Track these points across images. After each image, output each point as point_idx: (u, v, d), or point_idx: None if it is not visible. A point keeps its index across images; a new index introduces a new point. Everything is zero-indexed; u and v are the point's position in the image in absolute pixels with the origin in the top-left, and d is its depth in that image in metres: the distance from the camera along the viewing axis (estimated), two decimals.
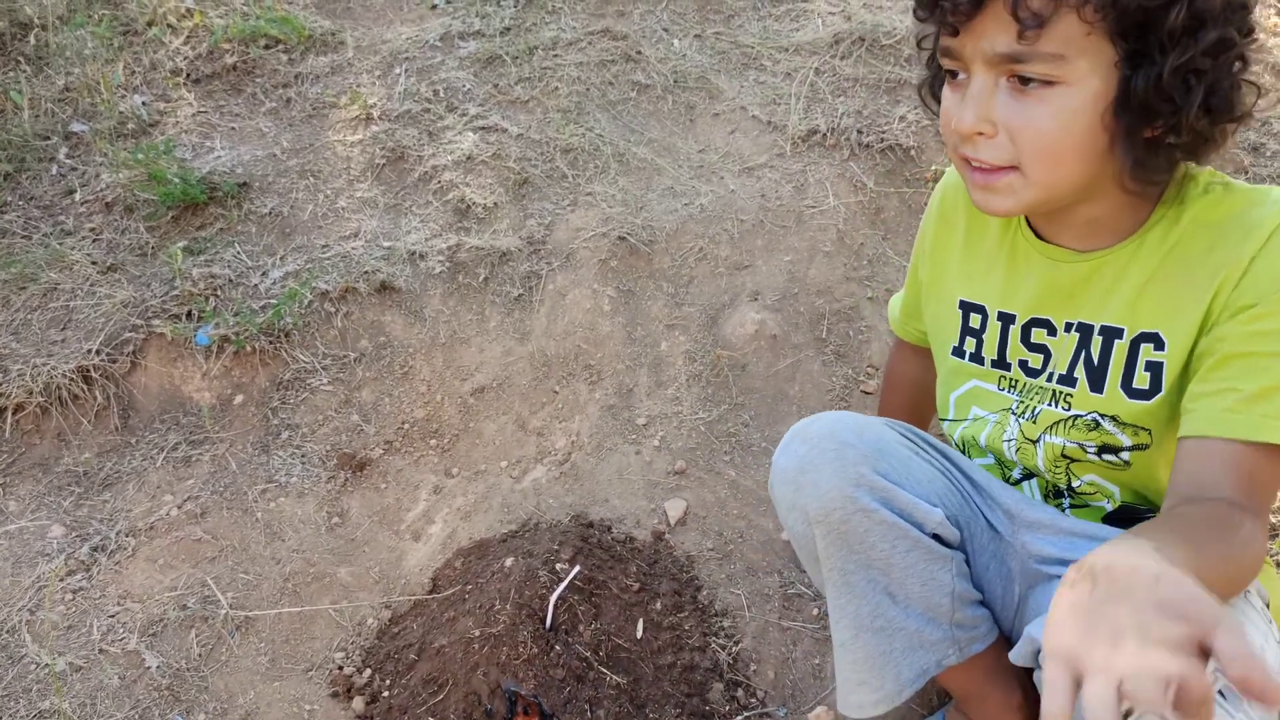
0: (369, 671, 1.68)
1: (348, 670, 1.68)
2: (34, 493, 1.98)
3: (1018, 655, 1.11)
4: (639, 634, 1.65)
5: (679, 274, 2.38)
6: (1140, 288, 1.05)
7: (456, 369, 2.23)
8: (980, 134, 0.98)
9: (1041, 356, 1.18)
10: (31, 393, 2.07)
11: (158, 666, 1.67)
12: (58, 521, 1.92)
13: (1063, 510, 1.25)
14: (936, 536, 1.20)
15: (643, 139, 2.75)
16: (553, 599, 1.60)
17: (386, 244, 2.45)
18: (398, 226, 2.52)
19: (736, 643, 1.69)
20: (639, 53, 2.98)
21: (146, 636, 1.72)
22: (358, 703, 1.63)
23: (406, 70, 2.95)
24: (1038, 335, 1.18)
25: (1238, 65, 0.92)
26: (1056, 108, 0.93)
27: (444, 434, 2.12)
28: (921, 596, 1.20)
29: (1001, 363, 1.23)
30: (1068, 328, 1.13)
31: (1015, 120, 0.95)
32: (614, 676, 1.59)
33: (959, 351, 1.28)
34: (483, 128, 2.76)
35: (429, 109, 2.81)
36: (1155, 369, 1.06)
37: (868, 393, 2.10)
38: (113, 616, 1.75)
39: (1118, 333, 1.08)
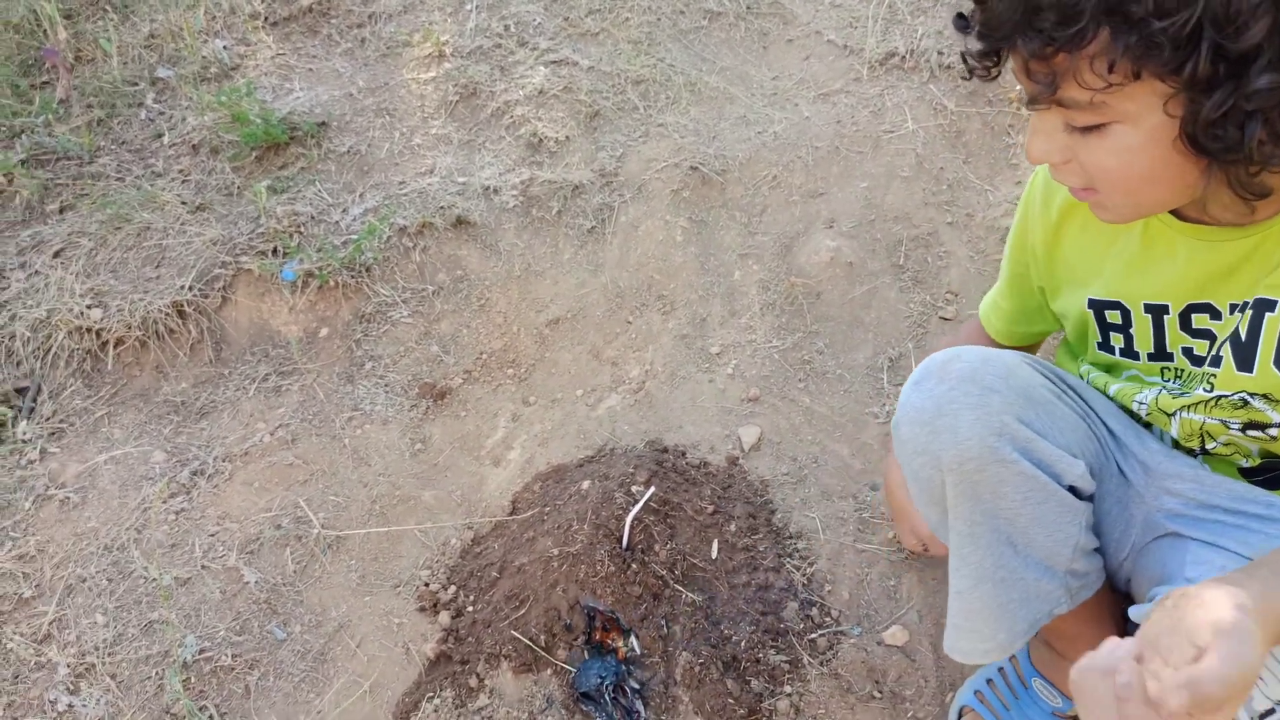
0: (453, 588, 1.74)
1: (433, 587, 1.75)
2: (136, 421, 2.09)
3: (1139, 613, 1.08)
4: (714, 554, 1.68)
5: (752, 203, 2.36)
6: None
7: (532, 300, 2.26)
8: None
9: (1207, 343, 1.08)
10: (130, 327, 2.16)
11: (256, 581, 1.76)
12: (159, 448, 2.03)
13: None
14: (1072, 488, 1.15)
15: (715, 68, 2.71)
16: (629, 519, 1.63)
17: (461, 179, 2.48)
18: (472, 162, 2.54)
19: (811, 564, 1.70)
20: None
21: (244, 554, 1.81)
22: (443, 616, 1.69)
23: (477, 6, 2.95)
24: (1200, 321, 1.07)
25: None
26: (1115, 146, 0.87)
27: (521, 364, 2.15)
28: (1044, 546, 1.15)
29: (1162, 354, 1.14)
30: (1233, 309, 1.03)
31: (1080, 154, 0.90)
32: (689, 594, 1.62)
33: (1106, 347, 1.20)
34: (554, 61, 2.75)
35: (500, 44, 2.81)
36: None
37: (946, 319, 2.06)
38: (213, 535, 1.84)
39: (1270, 305, 0.97)
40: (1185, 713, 0.73)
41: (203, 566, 1.79)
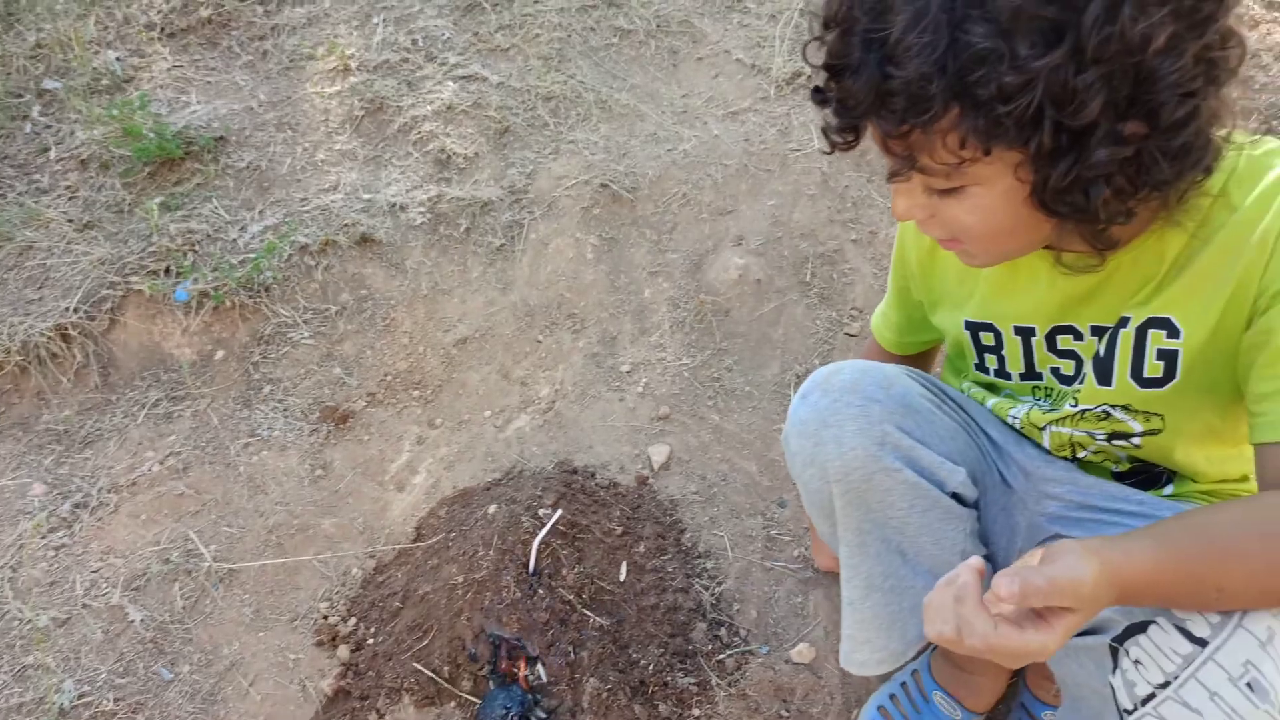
0: (354, 620, 1.68)
1: (333, 619, 1.68)
2: (14, 452, 1.97)
3: None
4: (622, 577, 1.65)
5: (662, 220, 2.36)
6: (1156, 275, 0.97)
7: (439, 320, 2.21)
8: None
9: (1073, 362, 1.11)
10: (9, 352, 2.05)
11: (141, 620, 1.67)
12: (38, 480, 1.92)
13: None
14: (955, 495, 1.18)
15: (625, 85, 2.70)
16: (535, 543, 1.59)
17: (366, 196, 2.42)
18: (378, 178, 2.48)
19: (719, 584, 1.69)
20: None
21: (130, 591, 1.72)
22: (343, 650, 1.63)
23: (384, 19, 2.89)
24: (1064, 342, 1.10)
25: (1165, 143, 0.80)
26: (973, 205, 0.89)
27: (427, 385, 2.10)
28: (932, 554, 1.18)
29: (1032, 374, 1.17)
30: (1093, 331, 1.06)
31: (940, 212, 0.93)
32: (597, 618, 1.59)
33: (982, 368, 1.23)
34: (463, 77, 2.72)
35: (408, 58, 2.76)
36: (1169, 357, 0.99)
37: (851, 335, 2.08)
38: (95, 572, 1.75)
39: (1124, 322, 1.01)
40: (1013, 602, 0.78)
41: (84, 605, 1.69)
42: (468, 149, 2.53)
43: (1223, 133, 0.85)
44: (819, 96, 0.87)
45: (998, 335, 1.17)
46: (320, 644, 1.65)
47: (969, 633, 0.81)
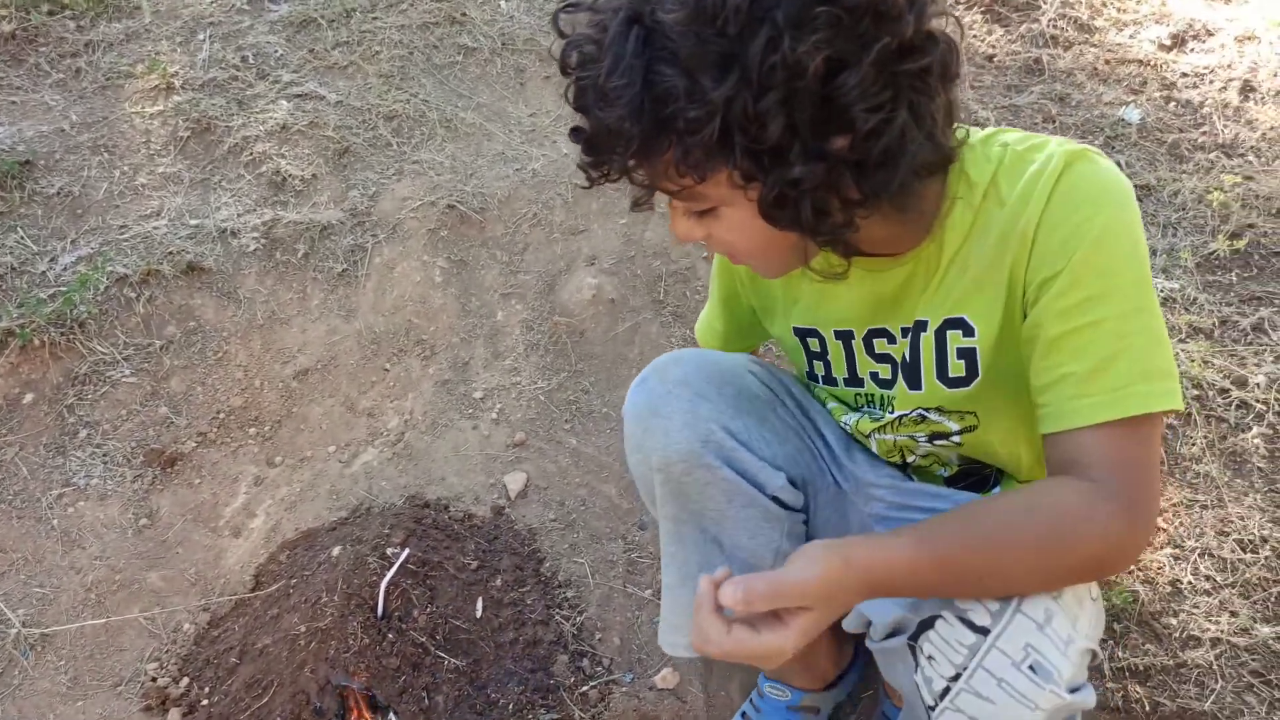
0: (186, 680, 1.55)
1: (162, 681, 1.55)
2: None
3: (850, 624, 1.11)
4: (479, 613, 1.58)
5: (513, 241, 2.30)
6: (943, 276, 1.00)
7: (277, 351, 2.09)
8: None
9: (889, 365, 1.13)
10: None
11: None
12: None
13: (906, 475, 1.24)
14: (776, 499, 1.18)
15: (471, 104, 2.64)
16: (383, 585, 1.51)
17: (194, 222, 2.28)
18: (206, 203, 2.34)
19: (581, 613, 1.64)
20: (464, 14, 2.86)
21: None
22: (174, 715, 1.50)
23: (211, 35, 2.74)
24: (880, 345, 1.13)
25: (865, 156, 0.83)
26: (728, 224, 0.93)
27: (264, 421, 1.98)
28: (748, 548, 1.19)
29: (854, 379, 1.19)
30: (904, 333, 1.08)
31: (710, 230, 0.96)
32: (452, 660, 1.51)
33: (812, 375, 1.24)
34: (298, 95, 2.60)
35: (237, 76, 2.62)
36: (968, 355, 1.02)
37: None
38: None
39: (923, 325, 1.04)
40: (739, 608, 0.84)
41: None
42: (305, 170, 2.41)
43: (962, 132, 0.92)
44: (574, 135, 0.90)
45: (821, 340, 1.19)
46: (149, 709, 1.51)
47: (704, 640, 0.87)
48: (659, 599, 1.66)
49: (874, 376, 1.15)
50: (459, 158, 2.49)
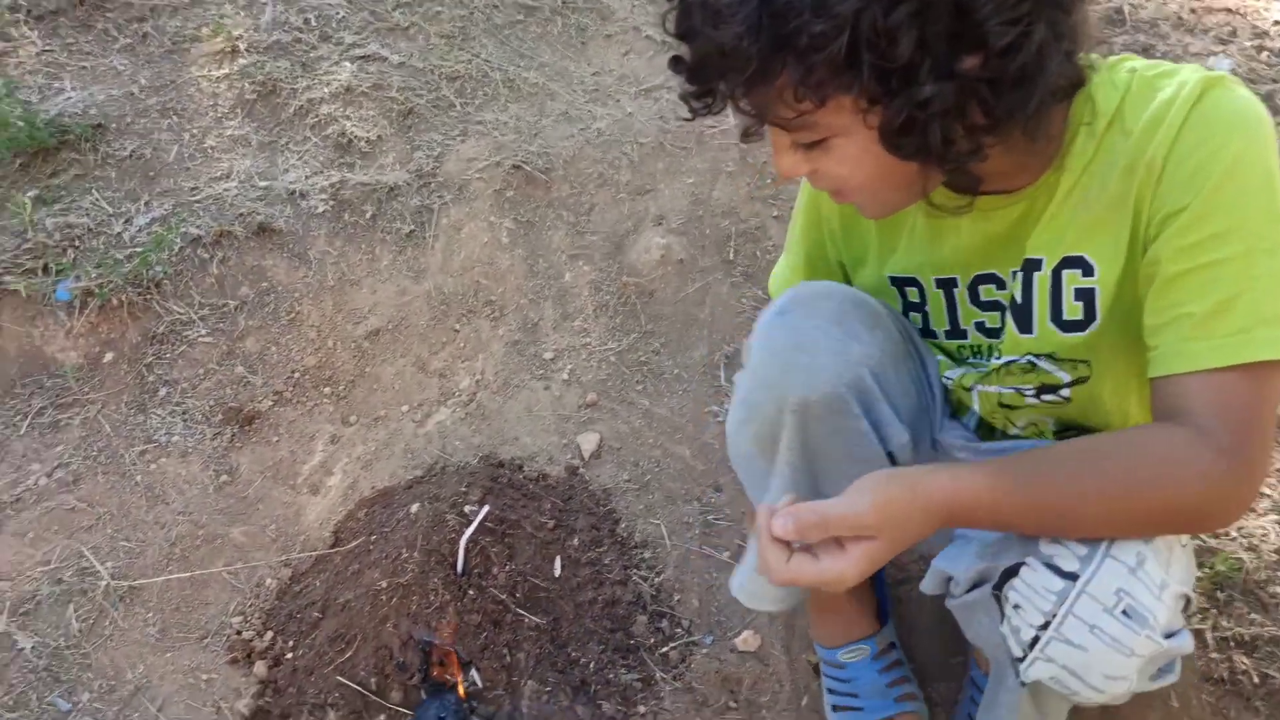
0: (270, 634, 1.57)
1: (247, 634, 1.57)
2: None
3: (929, 585, 1.08)
4: (557, 572, 1.58)
5: (579, 202, 2.28)
6: (1060, 211, 0.94)
7: (348, 312, 2.09)
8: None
9: (997, 314, 1.07)
10: None
11: (32, 647, 1.53)
12: None
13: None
14: (890, 455, 1.14)
15: (533, 64, 2.62)
16: (462, 542, 1.51)
17: (263, 184, 2.28)
18: (274, 165, 2.34)
19: (659, 574, 1.64)
20: None
21: (18, 616, 1.57)
22: (259, 667, 1.52)
23: None
24: (987, 293, 1.07)
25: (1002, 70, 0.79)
26: (840, 156, 0.89)
27: (338, 381, 1.99)
28: None
29: (956, 331, 1.14)
30: (1014, 276, 1.02)
31: (818, 166, 0.91)
32: (532, 617, 1.52)
33: None
34: (361, 57, 2.58)
35: (301, 39, 2.62)
36: (1086, 296, 0.96)
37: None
38: None
39: (1036, 264, 0.98)
40: (790, 538, 0.84)
41: None
42: (370, 132, 2.40)
43: (1087, 57, 0.86)
44: (675, 65, 0.86)
45: (921, 290, 1.14)
46: (234, 661, 1.53)
47: (766, 568, 0.86)
48: (736, 561, 1.65)
49: (979, 326, 1.10)
50: (523, 118, 2.46)
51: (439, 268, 2.17)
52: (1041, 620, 0.88)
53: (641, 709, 1.45)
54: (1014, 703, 1.02)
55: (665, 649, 1.52)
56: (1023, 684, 0.94)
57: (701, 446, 1.83)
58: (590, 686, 1.46)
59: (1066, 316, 0.99)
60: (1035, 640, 0.89)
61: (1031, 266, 0.99)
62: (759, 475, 1.17)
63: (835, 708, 1.41)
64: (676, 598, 1.60)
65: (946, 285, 1.11)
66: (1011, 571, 0.92)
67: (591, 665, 1.48)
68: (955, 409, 1.25)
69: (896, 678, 1.41)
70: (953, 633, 1.50)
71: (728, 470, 1.78)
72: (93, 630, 1.57)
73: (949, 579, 1.04)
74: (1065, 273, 0.97)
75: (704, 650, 1.53)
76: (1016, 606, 0.91)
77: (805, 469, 1.12)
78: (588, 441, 1.83)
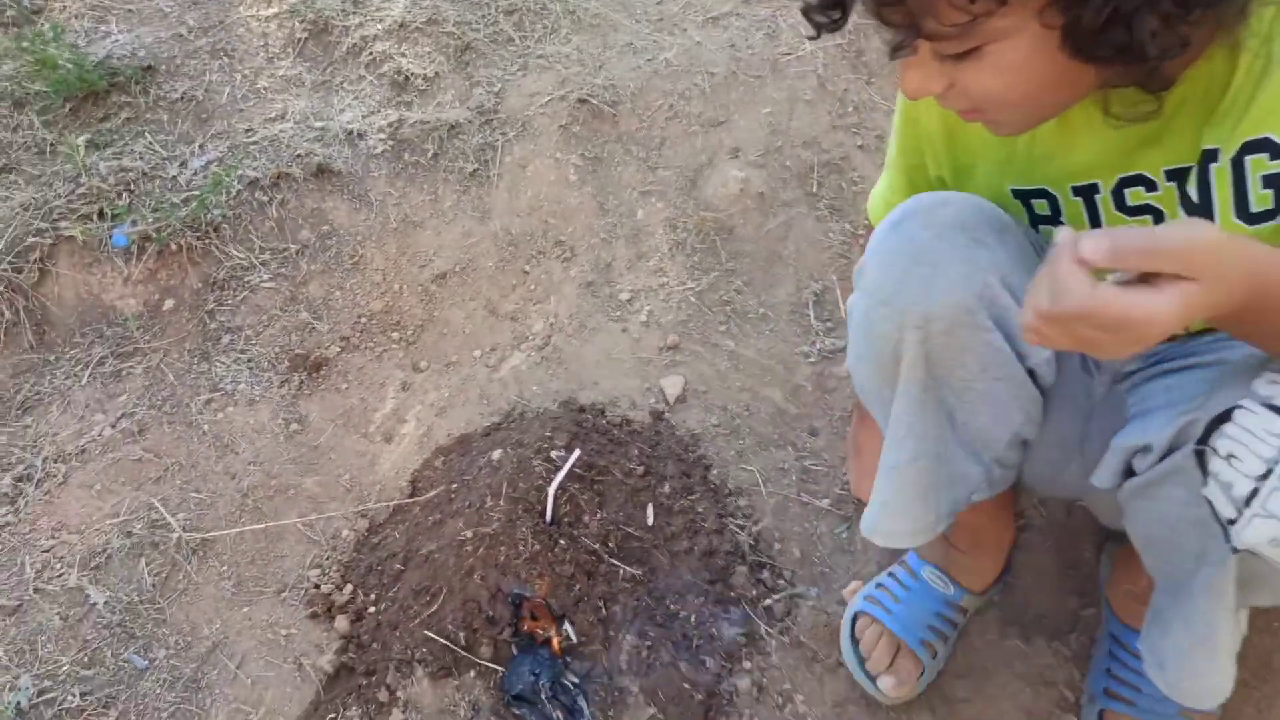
0: (350, 587, 1.49)
1: (325, 588, 1.50)
2: None
3: (1105, 473, 0.99)
4: (649, 520, 1.49)
5: (649, 136, 2.16)
6: (1236, 92, 0.84)
7: (412, 255, 2.00)
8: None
9: (1150, 219, 0.98)
10: None
11: (105, 602, 1.47)
12: None
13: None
14: (1031, 372, 1.03)
15: None
16: (552, 489, 1.42)
17: (319, 124, 2.18)
18: (329, 105, 2.24)
19: (756, 522, 1.54)
20: None
21: (89, 570, 1.51)
22: (341, 622, 1.45)
23: None
24: (1135, 196, 0.97)
25: None
26: (995, 66, 0.80)
27: (406, 325, 1.90)
28: (982, 428, 1.04)
29: None
30: (1169, 177, 0.93)
31: (959, 80, 0.83)
32: (628, 568, 1.42)
33: None
34: None
35: None
36: (1277, 182, 0.85)
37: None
38: (47, 551, 1.53)
39: (1212, 155, 0.87)
40: (1102, 261, 0.68)
41: (36, 590, 1.48)
42: (427, 69, 2.29)
43: None
44: None
45: (1053, 201, 1.04)
46: (314, 616, 1.46)
47: (1063, 293, 0.70)
48: (837, 509, 1.54)
49: None
50: (586, 50, 2.34)
51: (505, 207, 2.06)
52: (1262, 469, 0.77)
53: (747, 664, 1.36)
54: (1216, 584, 0.90)
55: (768, 601, 1.43)
56: (1234, 550, 0.83)
57: (794, 389, 1.72)
58: (692, 641, 1.36)
59: (1255, 208, 0.87)
60: (1253, 494, 0.78)
61: (1207, 158, 0.88)
62: (886, 407, 1.06)
63: (870, 599, 1.35)
64: (777, 547, 1.50)
65: (1087, 193, 1.01)
66: (1222, 418, 0.82)
67: (692, 619, 1.38)
68: None
69: (945, 632, 1.32)
70: (1084, 584, 1.39)
71: (823, 414, 1.68)
72: (166, 584, 1.50)
73: (1131, 460, 0.94)
74: (1250, 159, 0.85)
75: (810, 603, 1.43)
76: (1230, 457, 0.80)
77: (933, 395, 1.02)
78: (671, 385, 1.73)
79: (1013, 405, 1.03)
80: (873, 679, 1.30)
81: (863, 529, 1.13)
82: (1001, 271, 0.95)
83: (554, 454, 1.49)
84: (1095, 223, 1.02)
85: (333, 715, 1.34)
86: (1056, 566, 1.41)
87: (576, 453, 1.45)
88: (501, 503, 1.44)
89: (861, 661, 1.32)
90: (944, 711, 1.30)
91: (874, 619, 1.33)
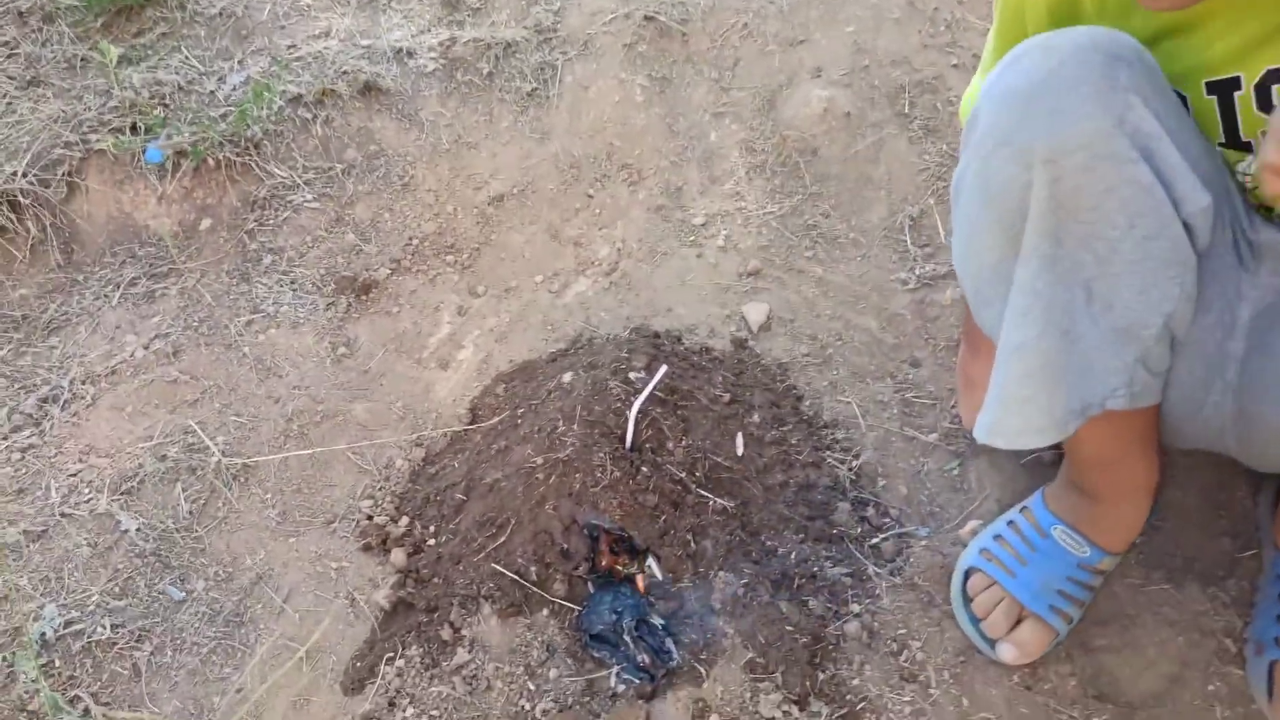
0: (406, 519, 1.35)
1: (379, 519, 1.35)
2: None
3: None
4: (739, 450, 1.33)
5: (721, 56, 1.99)
6: None
7: (467, 177, 1.85)
8: None
9: None
10: None
11: (138, 529, 1.33)
12: None
13: None
14: (1189, 227, 0.87)
15: None
16: (634, 410, 1.26)
17: (365, 42, 2.03)
18: (376, 23, 2.09)
19: (856, 457, 1.38)
20: None
21: (120, 495, 1.37)
22: (397, 555, 1.30)
23: None
24: None
25: None
26: None
27: (462, 248, 1.75)
28: (1126, 308, 0.88)
29: (1236, 144, 0.91)
30: None
31: None
32: (719, 500, 1.27)
33: None
34: None
35: None
36: None
37: None
38: (75, 475, 1.40)
39: None
40: None
41: (62, 515, 1.34)
42: None
43: None
44: None
45: (1182, 99, 0.90)
46: (368, 549, 1.32)
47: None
48: (946, 444, 1.38)
49: None
50: None
51: (566, 129, 1.91)
52: None
53: (855, 607, 1.20)
54: None
55: (875, 540, 1.27)
56: None
57: (890, 317, 1.56)
58: (793, 580, 1.21)
59: None
60: None
61: None
62: (1008, 288, 0.90)
63: (985, 553, 1.17)
64: (881, 483, 1.35)
65: (1224, 89, 0.87)
66: None
67: (792, 556, 1.23)
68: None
69: (1079, 598, 1.15)
70: (1238, 526, 1.23)
71: (925, 343, 1.52)
72: (204, 511, 1.36)
73: None
74: None
75: (922, 542, 1.27)
76: None
77: (1068, 255, 0.85)
78: (755, 312, 1.57)
79: (1165, 276, 0.86)
80: (991, 643, 1.14)
81: (977, 433, 0.97)
82: (1145, 92, 0.80)
83: (633, 375, 1.34)
84: (1230, 121, 0.89)
85: (391, 654, 1.19)
86: (1205, 508, 1.24)
87: (664, 369, 1.30)
88: (575, 427, 1.29)
89: (976, 621, 1.16)
90: (1083, 661, 1.14)
91: (991, 579, 1.16)
